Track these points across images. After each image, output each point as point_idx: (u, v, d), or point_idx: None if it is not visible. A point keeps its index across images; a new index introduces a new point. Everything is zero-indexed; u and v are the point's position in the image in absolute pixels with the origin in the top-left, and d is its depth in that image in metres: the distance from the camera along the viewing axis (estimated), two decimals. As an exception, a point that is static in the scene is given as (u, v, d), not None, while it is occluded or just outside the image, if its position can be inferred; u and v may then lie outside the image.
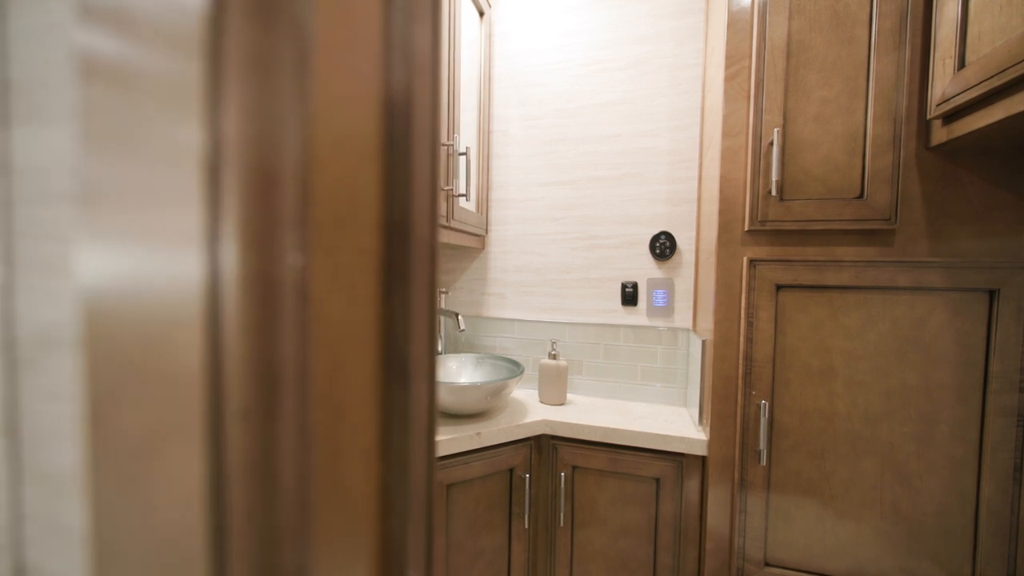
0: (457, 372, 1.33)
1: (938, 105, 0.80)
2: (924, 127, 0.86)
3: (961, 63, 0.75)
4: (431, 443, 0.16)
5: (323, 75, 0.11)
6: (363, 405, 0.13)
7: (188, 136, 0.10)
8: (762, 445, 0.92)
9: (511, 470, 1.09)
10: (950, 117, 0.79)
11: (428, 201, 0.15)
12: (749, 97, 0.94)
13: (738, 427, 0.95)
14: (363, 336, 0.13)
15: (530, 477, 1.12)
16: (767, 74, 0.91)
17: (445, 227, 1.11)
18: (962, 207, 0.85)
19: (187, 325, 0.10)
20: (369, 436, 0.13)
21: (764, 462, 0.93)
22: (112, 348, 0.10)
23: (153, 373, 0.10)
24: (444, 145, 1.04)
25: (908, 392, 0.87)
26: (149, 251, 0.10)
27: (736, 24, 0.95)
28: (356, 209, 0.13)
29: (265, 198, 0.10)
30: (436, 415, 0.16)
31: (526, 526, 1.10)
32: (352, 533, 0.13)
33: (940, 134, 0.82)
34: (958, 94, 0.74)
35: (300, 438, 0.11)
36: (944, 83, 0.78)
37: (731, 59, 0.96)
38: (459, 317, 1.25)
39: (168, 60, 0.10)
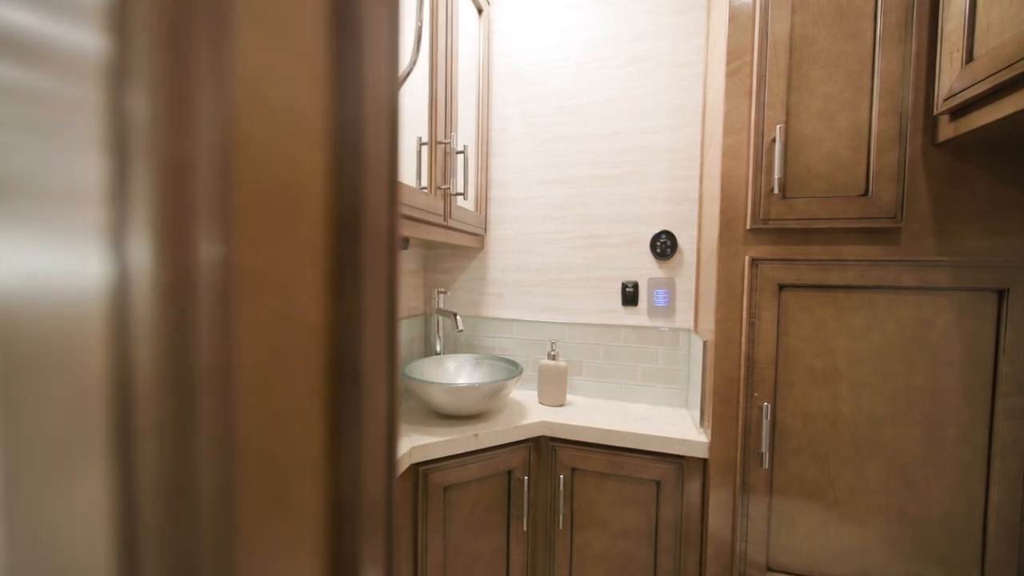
0: (455, 373, 1.32)
1: (945, 100, 0.78)
2: (930, 123, 0.84)
3: (969, 56, 0.73)
4: (391, 453, 0.15)
5: (250, 46, 0.10)
6: (308, 414, 0.12)
7: (90, 115, 0.09)
8: (764, 448, 0.90)
9: (509, 472, 1.08)
10: (957, 112, 0.77)
11: (385, 190, 0.13)
12: (751, 93, 0.92)
13: (740, 429, 0.94)
14: (306, 338, 0.12)
15: (529, 479, 1.10)
16: (769, 69, 0.89)
17: (443, 226, 1.10)
18: (970, 205, 0.83)
19: (91, 329, 0.09)
20: (315, 448, 0.12)
21: (766, 465, 0.91)
22: (7, 357, 0.09)
23: (54, 384, 0.09)
24: (441, 143, 1.03)
25: (914, 394, 0.85)
26: (47, 246, 0.09)
27: (738, 19, 0.93)
28: (297, 198, 0.11)
29: (177, 185, 0.09)
30: (397, 423, 0.15)
31: (524, 528, 1.09)
32: (297, 553, 0.12)
33: (947, 130, 0.80)
34: (966, 88, 0.72)
35: (223, 452, 0.10)
36: (951, 77, 0.76)
37: (732, 54, 0.94)
38: (457, 317, 1.24)
39: (68, 31, 0.09)
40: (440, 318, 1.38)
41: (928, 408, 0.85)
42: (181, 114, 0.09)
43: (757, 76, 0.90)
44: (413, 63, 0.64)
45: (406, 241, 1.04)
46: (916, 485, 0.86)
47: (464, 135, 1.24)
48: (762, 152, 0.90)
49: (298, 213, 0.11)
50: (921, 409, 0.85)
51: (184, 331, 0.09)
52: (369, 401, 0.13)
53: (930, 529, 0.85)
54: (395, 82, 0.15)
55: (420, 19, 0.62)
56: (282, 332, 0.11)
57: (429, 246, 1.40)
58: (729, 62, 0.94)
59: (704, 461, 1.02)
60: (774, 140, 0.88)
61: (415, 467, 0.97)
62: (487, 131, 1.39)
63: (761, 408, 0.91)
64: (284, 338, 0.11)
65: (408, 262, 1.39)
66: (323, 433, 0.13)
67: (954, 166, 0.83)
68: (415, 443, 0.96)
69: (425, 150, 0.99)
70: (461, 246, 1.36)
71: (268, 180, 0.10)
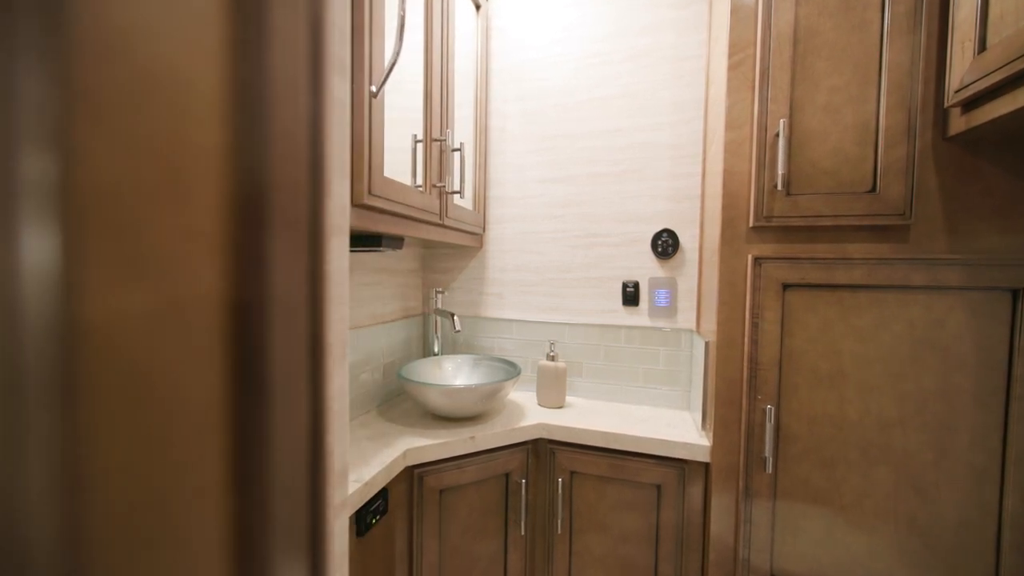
0: (453, 374, 1.30)
1: (956, 92, 0.75)
2: (941, 116, 0.81)
3: (981, 46, 0.70)
4: (317, 475, 0.13)
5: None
6: (200, 433, 0.10)
7: None
8: (768, 452, 0.88)
9: (507, 475, 1.06)
10: (969, 105, 0.74)
11: (303, 171, 0.12)
12: (754, 87, 0.90)
13: (743, 433, 0.91)
14: (195, 344, 0.10)
15: (527, 482, 1.08)
16: (773, 62, 0.86)
17: (439, 225, 1.08)
18: (982, 201, 0.80)
19: None
20: (211, 472, 0.10)
21: (770, 470, 0.88)
22: None
23: None
24: (436, 140, 1.01)
25: (924, 397, 0.82)
26: None
27: (740, 11, 0.91)
28: (180, 178, 0.10)
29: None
30: (323, 439, 0.13)
31: (522, 533, 1.07)
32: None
33: (958, 123, 0.77)
34: (978, 79, 0.69)
35: (65, 476, 0.08)
36: (963, 68, 0.73)
37: (735, 47, 0.91)
38: (455, 317, 1.22)
39: None
40: (438, 318, 1.37)
41: (939, 412, 0.82)
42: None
43: (760, 69, 0.87)
44: (397, 53, 0.63)
45: (400, 240, 1.02)
46: (926, 492, 0.83)
47: (462, 133, 1.22)
48: (765, 147, 0.87)
49: (182, 196, 0.10)
50: (931, 413, 0.82)
51: (5, 337, 0.07)
52: (282, 418, 0.12)
53: (941, 538, 0.82)
54: (321, 47, 0.14)
55: (403, 8, 0.60)
56: (159, 337, 0.09)
57: (427, 245, 1.39)
58: (731, 55, 0.92)
59: (706, 465, 0.99)
60: (777, 135, 0.86)
61: (410, 469, 0.95)
62: (485, 129, 1.37)
63: (764, 411, 0.89)
64: (163, 343, 0.09)
65: (406, 262, 1.37)
66: (223, 456, 0.11)
67: (966, 161, 0.80)
68: (410, 445, 0.95)
69: (420, 147, 0.97)
70: (459, 245, 1.34)
71: (133, 157, 0.09)
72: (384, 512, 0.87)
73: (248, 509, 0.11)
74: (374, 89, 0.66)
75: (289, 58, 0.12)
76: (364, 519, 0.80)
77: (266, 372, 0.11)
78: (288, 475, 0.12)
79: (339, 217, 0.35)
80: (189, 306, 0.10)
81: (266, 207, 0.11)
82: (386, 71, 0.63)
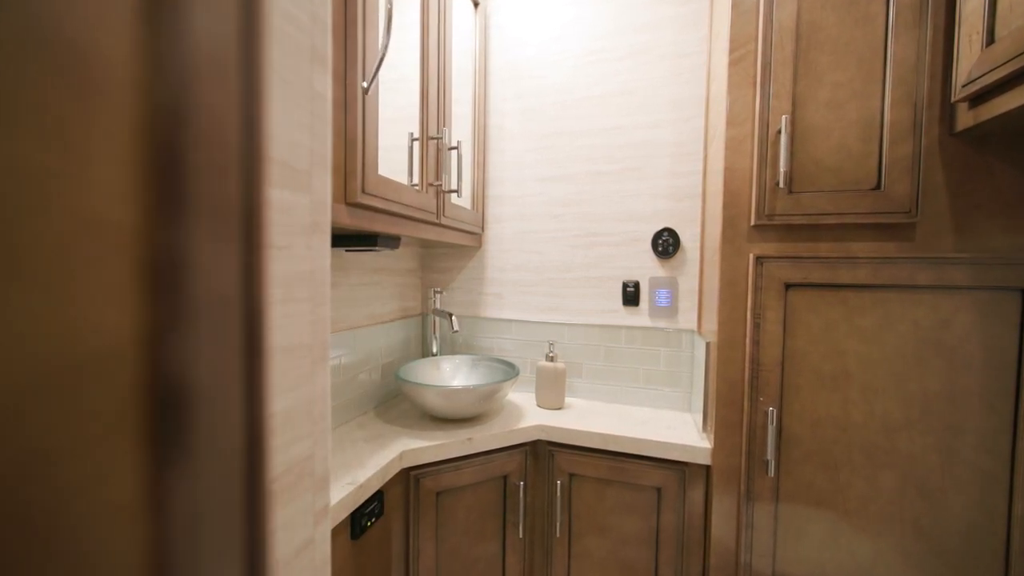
0: (452, 375, 1.29)
1: (964, 86, 0.73)
2: (948, 111, 0.79)
3: (990, 38, 0.68)
4: (253, 499, 0.12)
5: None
6: (100, 452, 0.09)
7: None
8: (770, 455, 0.86)
9: (505, 477, 1.05)
10: (977, 99, 0.72)
11: (233, 156, 0.10)
12: (755, 83, 0.88)
13: (744, 435, 0.89)
14: (97, 349, 0.09)
15: (525, 484, 1.07)
16: (774, 57, 0.85)
17: (435, 224, 1.07)
18: (991, 198, 0.78)
19: None
20: (116, 500, 0.09)
21: (772, 473, 0.87)
22: None
23: None
24: (433, 138, 1.00)
25: (930, 400, 0.80)
26: None
27: (741, 5, 0.89)
28: (73, 157, 0.08)
29: None
30: (263, 480, 0.12)
31: (521, 536, 1.06)
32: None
33: (966, 118, 0.75)
34: (986, 73, 0.68)
35: None
36: (970, 62, 0.71)
37: (735, 42, 0.90)
38: (453, 318, 1.21)
39: None
40: (436, 319, 1.36)
41: (945, 414, 0.80)
42: None
43: (762, 65, 0.86)
44: (384, 48, 0.62)
45: (397, 240, 1.01)
46: (933, 496, 0.81)
47: (460, 132, 1.21)
48: (767, 144, 0.86)
49: (76, 179, 0.08)
50: (938, 416, 0.80)
51: None
52: (206, 434, 0.10)
53: (948, 543, 0.80)
54: (255, 21, 0.12)
55: (390, 1, 0.59)
56: (39, 346, 0.08)
57: (425, 245, 1.38)
58: (732, 51, 0.90)
59: (707, 468, 0.98)
60: (779, 131, 0.84)
61: (406, 471, 0.94)
62: (484, 128, 1.36)
63: (766, 413, 0.87)
64: (46, 354, 0.08)
65: (404, 261, 1.36)
66: (130, 479, 0.09)
67: (973, 157, 0.78)
68: (407, 447, 0.94)
69: (417, 146, 0.96)
70: (458, 245, 1.33)
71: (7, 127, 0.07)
72: (380, 514, 0.86)
73: (166, 544, 0.10)
74: (365, 85, 0.65)
75: (214, 28, 0.11)
76: (359, 522, 0.79)
77: (191, 383, 0.10)
78: (218, 503, 0.11)
79: (319, 214, 0.34)
80: (88, 306, 0.09)
81: (185, 193, 0.10)
82: (375, 66, 0.62)
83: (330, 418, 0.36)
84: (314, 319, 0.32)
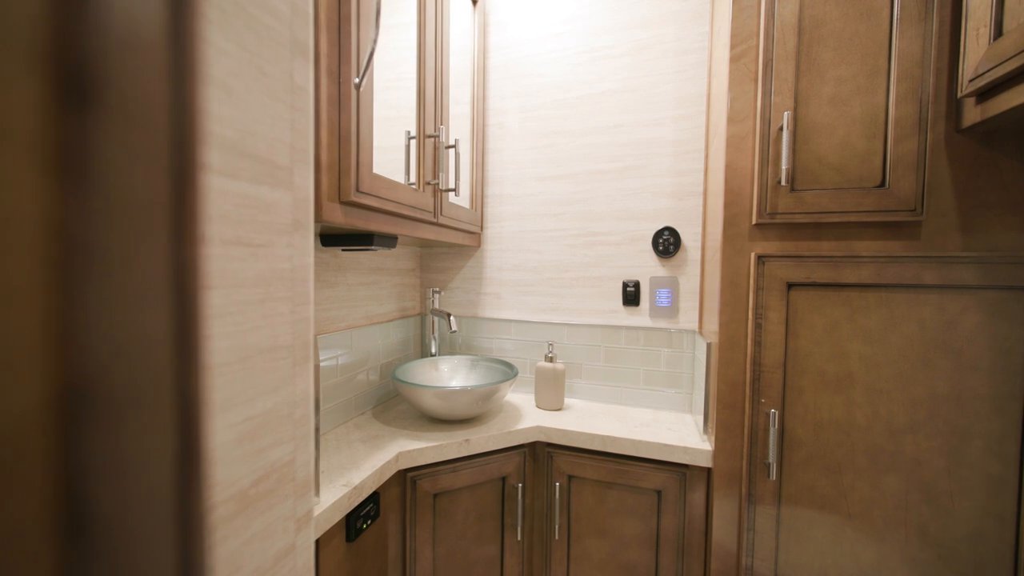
0: (450, 375, 1.28)
1: (970, 81, 0.71)
2: (954, 107, 0.77)
3: (998, 32, 0.66)
4: (188, 517, 0.11)
5: None
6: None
7: None
8: (771, 458, 0.84)
9: (503, 479, 1.04)
10: (984, 94, 0.71)
11: (162, 138, 0.09)
12: (757, 79, 0.86)
13: (746, 438, 0.88)
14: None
15: (523, 486, 1.06)
16: (776, 53, 0.83)
17: (433, 223, 1.06)
18: (999, 195, 0.76)
19: None
20: (19, 512, 0.08)
21: (774, 476, 0.85)
22: None
23: None
24: (430, 137, 0.99)
25: (937, 402, 0.79)
26: None
27: (742, 0, 0.88)
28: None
29: None
30: (202, 470, 0.11)
31: (519, 538, 1.04)
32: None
33: (973, 114, 0.73)
34: (994, 67, 0.66)
35: None
36: (977, 56, 0.70)
37: (737, 38, 0.88)
38: (451, 318, 1.20)
39: None
40: (435, 319, 1.35)
41: (952, 417, 0.78)
42: None
43: (763, 60, 0.84)
44: (374, 42, 0.61)
45: (393, 239, 1.00)
46: (939, 501, 0.79)
47: (459, 131, 1.20)
48: (769, 141, 0.84)
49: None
50: (944, 418, 0.78)
51: None
52: (130, 439, 0.09)
53: (955, 549, 0.78)
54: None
55: (380, -7, 0.58)
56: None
57: (424, 244, 1.37)
58: (733, 46, 0.89)
59: (708, 470, 0.96)
60: (781, 128, 0.82)
61: (403, 473, 0.93)
62: (483, 127, 1.35)
63: (768, 415, 0.85)
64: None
65: (403, 261, 1.35)
66: (36, 498, 0.08)
67: (981, 154, 0.77)
68: (403, 448, 0.93)
69: (414, 144, 0.95)
70: (456, 244, 1.32)
71: None
72: (376, 517, 0.85)
73: (81, 560, 0.09)
74: (357, 80, 0.64)
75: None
76: (354, 524, 0.78)
77: (106, 380, 0.09)
78: (150, 526, 0.10)
79: (301, 212, 0.33)
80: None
81: (93, 181, 0.09)
82: (365, 61, 0.61)
83: (314, 421, 0.35)
84: (295, 319, 0.31)
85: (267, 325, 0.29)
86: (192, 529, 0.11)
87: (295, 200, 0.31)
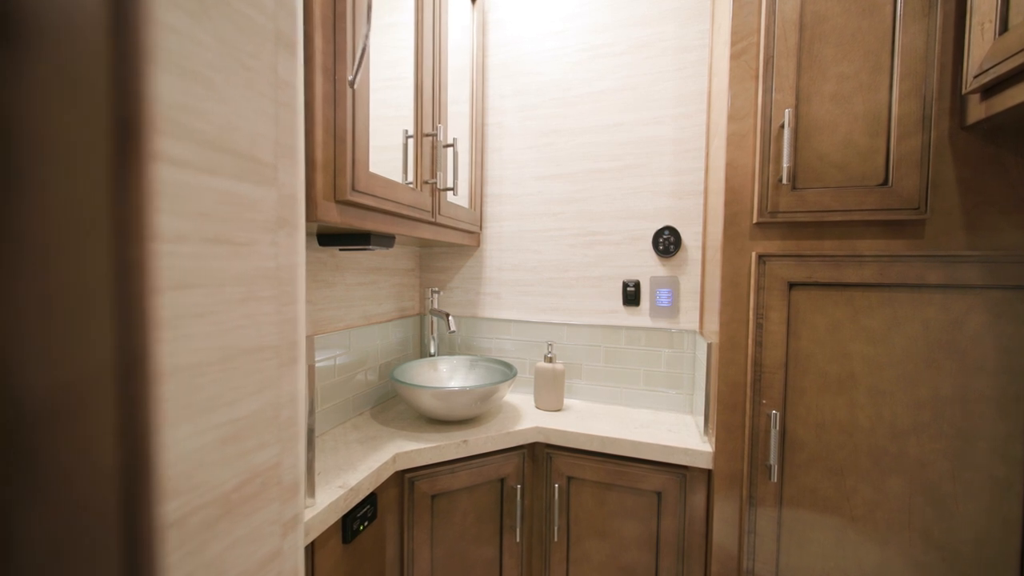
0: (449, 376, 1.27)
1: (975, 77, 0.70)
2: (959, 104, 0.76)
3: (1003, 26, 0.65)
4: (130, 535, 0.10)
5: None
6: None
7: None
8: (773, 459, 0.83)
9: (502, 480, 1.03)
10: (990, 90, 0.70)
11: (101, 123, 0.09)
12: (758, 76, 0.85)
13: (747, 439, 0.87)
14: None
15: (522, 488, 1.05)
16: (777, 49, 0.82)
17: (431, 223, 1.05)
18: (1005, 193, 0.75)
19: None
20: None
21: (775, 478, 0.84)
22: None
23: None
24: (428, 135, 0.99)
25: (941, 404, 0.77)
26: None
27: (743, -4, 0.87)
28: None
29: None
30: (147, 480, 0.10)
31: (518, 540, 1.04)
32: None
33: (978, 110, 0.72)
34: (999, 63, 0.65)
35: None
36: (982, 52, 0.68)
37: (737, 34, 0.87)
38: (449, 318, 1.19)
39: None
40: (434, 319, 1.34)
41: (957, 419, 0.77)
42: None
43: (764, 57, 0.83)
44: (366, 37, 0.60)
45: (391, 239, 1.00)
46: (943, 504, 0.78)
47: (458, 130, 1.20)
48: (770, 139, 0.83)
49: None
50: (949, 420, 0.77)
51: None
52: (65, 451, 0.09)
53: (960, 553, 0.77)
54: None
55: (372, -12, 0.57)
56: None
57: (423, 244, 1.36)
58: (734, 43, 0.88)
59: (708, 472, 0.95)
60: (783, 126, 0.81)
61: (400, 474, 0.93)
62: (482, 125, 1.34)
63: (769, 416, 0.84)
64: None
65: (402, 261, 1.35)
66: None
67: (986, 151, 0.75)
68: (401, 449, 0.92)
69: (411, 143, 0.95)
70: (455, 244, 1.31)
71: None
72: (373, 518, 0.84)
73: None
74: (350, 77, 0.64)
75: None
76: (350, 525, 0.78)
77: (33, 394, 0.08)
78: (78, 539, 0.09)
79: (287, 210, 0.32)
80: None
81: (17, 170, 0.08)
82: (358, 57, 0.60)
83: (307, 423, 0.35)
84: (281, 319, 0.30)
85: (250, 325, 0.28)
86: (140, 542, 0.10)
87: (280, 197, 0.30)
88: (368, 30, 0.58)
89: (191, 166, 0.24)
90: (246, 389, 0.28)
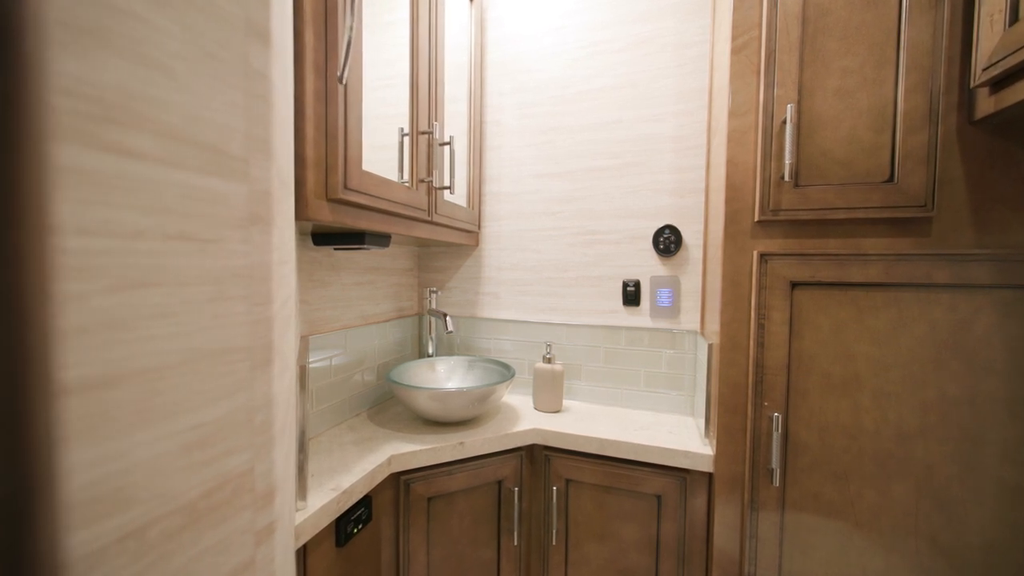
0: (446, 376, 1.26)
1: (984, 70, 0.68)
2: (967, 98, 0.74)
3: (1013, 17, 0.63)
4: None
5: None
6: None
7: None
8: (775, 463, 0.82)
9: (499, 482, 1.02)
10: (999, 83, 0.67)
11: None
12: (759, 71, 0.84)
13: (748, 442, 0.85)
14: None
15: (520, 490, 1.04)
16: (779, 43, 0.80)
17: (427, 222, 1.04)
18: (1015, 189, 0.73)
19: None
20: None
21: (777, 482, 0.82)
22: None
23: None
24: (424, 133, 0.97)
25: (948, 406, 0.75)
26: None
27: (744, -10, 0.85)
28: None
29: None
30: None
31: (515, 543, 1.02)
32: None
33: (986, 104, 0.70)
34: (1009, 54, 0.63)
35: None
36: (992, 43, 0.66)
37: (738, 29, 0.85)
38: (447, 318, 1.18)
39: None
40: (433, 319, 1.33)
41: (965, 422, 0.75)
42: None
43: (766, 52, 0.81)
44: (350, 29, 0.59)
45: (386, 238, 0.99)
46: (951, 509, 0.75)
47: (456, 128, 1.18)
48: (771, 135, 0.81)
49: None
50: (957, 423, 0.75)
51: None
52: None
53: (968, 559, 0.75)
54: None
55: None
56: None
57: (421, 244, 1.35)
58: (735, 38, 0.86)
59: (709, 475, 0.93)
60: (785, 122, 0.80)
61: (396, 476, 0.92)
62: (480, 124, 1.33)
63: (771, 419, 0.82)
64: None
65: (400, 261, 1.34)
66: None
67: (995, 146, 0.73)
68: (396, 450, 0.91)
69: (407, 141, 0.94)
70: (454, 244, 1.30)
71: None
72: (368, 521, 0.83)
73: None
74: (339, 73, 0.63)
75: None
76: (344, 528, 0.77)
77: None
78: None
79: (259, 205, 0.31)
80: None
81: None
82: (344, 52, 0.59)
83: (284, 427, 0.33)
84: (253, 319, 0.29)
85: (218, 326, 0.27)
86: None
87: (251, 192, 0.29)
88: (352, 22, 0.56)
89: (150, 158, 0.23)
90: (214, 393, 0.27)
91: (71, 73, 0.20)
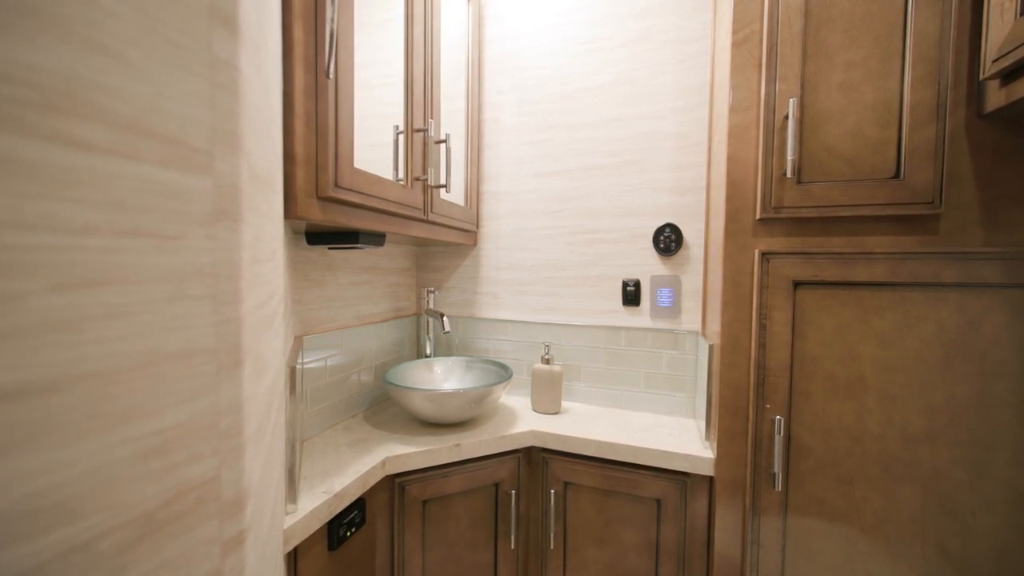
0: (444, 377, 1.25)
1: (994, 62, 0.65)
2: (976, 91, 0.71)
3: (1024, 6, 0.61)
4: None
5: None
6: None
7: None
8: (777, 467, 0.80)
9: (496, 485, 1.00)
10: (1009, 76, 0.65)
11: None
12: (760, 65, 0.82)
13: (750, 445, 0.83)
14: None
15: (517, 493, 1.02)
16: (781, 37, 0.78)
17: (423, 221, 1.03)
18: (1026, 186, 0.70)
19: None
20: None
21: (780, 487, 0.80)
22: None
23: None
24: (419, 131, 0.96)
25: (957, 409, 0.73)
26: None
27: (744, -18, 0.83)
28: None
29: None
30: None
31: (513, 547, 1.01)
32: None
33: (997, 97, 0.68)
34: (1020, 45, 0.60)
35: None
36: (1002, 34, 0.64)
37: (739, 22, 0.83)
38: (444, 318, 1.17)
39: None
40: (430, 319, 1.32)
41: (974, 425, 0.72)
42: None
43: (767, 45, 0.79)
44: (333, 20, 0.57)
45: (381, 237, 0.97)
46: (959, 515, 0.73)
47: (453, 126, 1.17)
48: (773, 131, 0.79)
49: None
50: (965, 427, 0.73)
51: None
52: None
53: (977, 567, 0.72)
54: None
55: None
56: None
57: (419, 243, 1.34)
58: (735, 31, 0.84)
59: (710, 479, 0.91)
60: (787, 117, 0.77)
61: (391, 478, 0.90)
62: (478, 122, 1.32)
63: (773, 421, 0.80)
64: None
65: (398, 260, 1.33)
66: None
67: (1006, 140, 0.71)
68: (391, 452, 0.90)
69: (402, 139, 0.92)
70: (451, 243, 1.29)
71: None
72: (361, 524, 0.82)
73: None
74: (326, 68, 0.61)
75: None
76: (336, 531, 0.75)
77: None
78: None
79: (226, 200, 0.29)
80: None
81: None
82: (328, 45, 0.58)
83: (249, 431, 0.32)
84: (220, 320, 0.28)
85: (179, 327, 0.25)
86: None
87: (217, 187, 0.27)
88: (334, 13, 0.55)
89: (99, 149, 0.22)
90: (175, 397, 0.25)
91: (7, 57, 0.19)
